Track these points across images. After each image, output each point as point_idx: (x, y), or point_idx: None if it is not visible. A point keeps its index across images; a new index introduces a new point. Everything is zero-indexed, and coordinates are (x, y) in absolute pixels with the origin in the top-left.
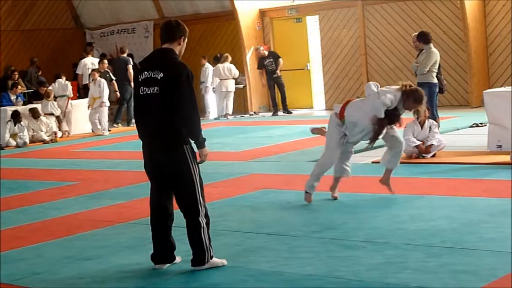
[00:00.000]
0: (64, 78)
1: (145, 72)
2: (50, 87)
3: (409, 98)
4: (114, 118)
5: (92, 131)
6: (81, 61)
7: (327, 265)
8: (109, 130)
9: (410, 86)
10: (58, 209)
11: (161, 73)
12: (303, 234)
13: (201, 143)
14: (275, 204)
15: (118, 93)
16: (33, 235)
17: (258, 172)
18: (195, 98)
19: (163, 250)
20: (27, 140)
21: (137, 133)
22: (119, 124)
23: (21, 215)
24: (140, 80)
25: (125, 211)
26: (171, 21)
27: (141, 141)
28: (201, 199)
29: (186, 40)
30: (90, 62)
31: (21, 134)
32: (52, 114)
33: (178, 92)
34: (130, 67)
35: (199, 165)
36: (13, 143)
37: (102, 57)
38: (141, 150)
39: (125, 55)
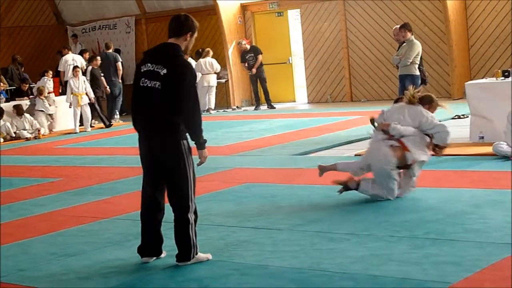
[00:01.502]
0: (49, 75)
1: (148, 64)
2: (39, 85)
3: (424, 105)
4: (109, 114)
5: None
6: (62, 58)
7: (311, 258)
8: (91, 127)
9: (413, 96)
10: (42, 206)
11: (165, 69)
12: (287, 227)
13: (201, 144)
14: (259, 197)
15: (108, 89)
16: (17, 232)
17: (241, 166)
18: (198, 99)
19: (151, 244)
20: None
21: (123, 129)
22: (118, 118)
23: (5, 212)
24: (142, 71)
25: (109, 206)
26: (180, 16)
27: (137, 132)
28: (192, 195)
29: (195, 35)
30: (71, 58)
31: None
32: (43, 111)
33: (181, 91)
34: (120, 64)
35: (198, 166)
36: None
37: (83, 52)
38: (124, 146)
39: (111, 50)
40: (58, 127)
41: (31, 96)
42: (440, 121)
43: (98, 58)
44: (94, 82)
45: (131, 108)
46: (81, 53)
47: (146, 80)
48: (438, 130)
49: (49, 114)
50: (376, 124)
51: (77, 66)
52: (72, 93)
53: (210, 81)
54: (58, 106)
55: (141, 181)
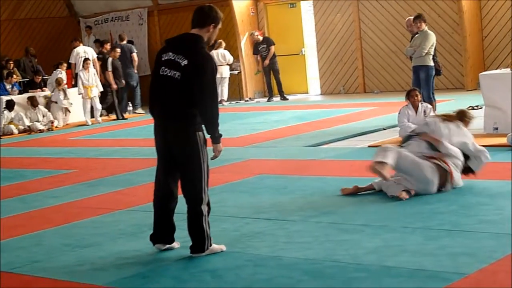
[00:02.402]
0: (63, 67)
1: (170, 53)
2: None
3: (465, 122)
4: (132, 105)
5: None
6: (74, 50)
7: (325, 249)
8: (101, 116)
9: (450, 116)
10: (56, 197)
11: (186, 60)
12: (301, 218)
13: (216, 139)
14: (272, 189)
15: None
16: (31, 223)
17: (254, 157)
18: (217, 93)
19: (163, 231)
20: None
21: (136, 120)
22: (133, 109)
23: (19, 204)
24: (162, 59)
25: (123, 198)
26: (203, 7)
27: (154, 120)
28: (205, 187)
29: (219, 26)
30: (83, 50)
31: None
32: (56, 102)
33: (200, 84)
34: (135, 55)
35: (212, 160)
36: (15, 130)
37: (104, 43)
38: (137, 138)
39: (125, 42)
40: (70, 119)
41: (44, 88)
42: (453, 112)
43: (118, 49)
44: (115, 74)
45: (149, 95)
46: (102, 43)
47: (166, 69)
48: (480, 156)
49: (64, 107)
50: (417, 131)
51: (87, 59)
52: (82, 86)
53: (223, 73)
54: (71, 99)
55: (154, 172)
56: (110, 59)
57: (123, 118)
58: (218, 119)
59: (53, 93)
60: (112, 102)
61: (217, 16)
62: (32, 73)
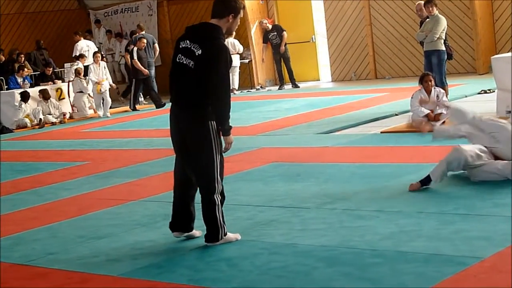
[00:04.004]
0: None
1: (187, 41)
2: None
3: None
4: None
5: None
6: (77, 44)
7: (340, 235)
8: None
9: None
10: (69, 189)
11: (200, 50)
12: (315, 205)
13: (226, 131)
14: (285, 177)
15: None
16: (45, 216)
17: (267, 146)
18: (229, 84)
19: (181, 219)
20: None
21: (147, 111)
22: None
23: (33, 196)
24: (180, 47)
25: (136, 189)
26: None
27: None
28: (218, 176)
29: (240, 15)
30: (86, 44)
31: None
32: (81, 92)
33: (214, 75)
34: (157, 45)
35: (224, 152)
36: (29, 124)
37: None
38: (149, 129)
39: (143, 32)
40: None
41: (56, 81)
42: (465, 96)
43: (144, 40)
44: (140, 63)
45: (169, 82)
46: (131, 34)
47: (182, 57)
48: None
49: (89, 94)
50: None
51: (97, 52)
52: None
53: (233, 62)
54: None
55: (167, 162)
56: (135, 49)
57: (134, 109)
58: (229, 112)
59: (74, 84)
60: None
61: (236, 5)
62: (43, 66)
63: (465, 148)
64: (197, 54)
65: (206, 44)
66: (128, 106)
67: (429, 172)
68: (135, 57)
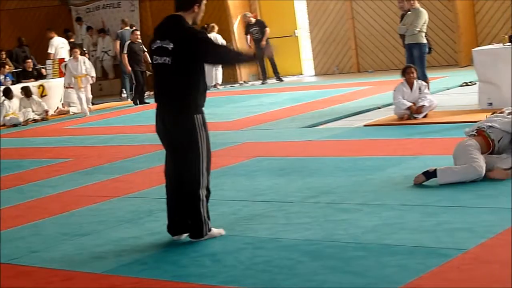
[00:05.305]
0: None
1: (157, 41)
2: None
3: None
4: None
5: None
6: (52, 41)
7: (324, 229)
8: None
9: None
10: (53, 187)
11: (171, 44)
12: (299, 200)
13: (254, 57)
14: (269, 171)
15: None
16: (28, 213)
17: (251, 140)
18: (219, 44)
19: (177, 220)
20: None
21: (131, 107)
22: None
23: (16, 194)
24: (152, 49)
25: (120, 185)
26: None
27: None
28: (204, 171)
29: (204, 2)
30: (61, 42)
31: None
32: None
33: (200, 53)
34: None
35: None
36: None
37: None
38: (133, 125)
39: (128, 27)
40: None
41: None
42: (447, 89)
43: (138, 32)
44: (134, 57)
45: (153, 84)
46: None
47: (157, 58)
48: None
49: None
50: None
51: (75, 47)
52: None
53: None
54: (55, 88)
55: (151, 158)
56: (127, 42)
57: (144, 103)
58: (241, 55)
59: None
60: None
61: None
62: (24, 63)
63: (482, 166)
64: (170, 48)
65: (176, 36)
66: (131, 100)
67: (438, 170)
68: (125, 51)
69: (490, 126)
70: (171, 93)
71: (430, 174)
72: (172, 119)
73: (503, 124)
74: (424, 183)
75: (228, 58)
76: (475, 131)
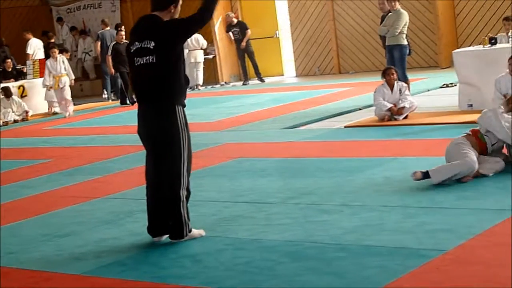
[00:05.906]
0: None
1: (136, 43)
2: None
3: None
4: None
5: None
6: (30, 42)
7: (304, 230)
8: (113, 100)
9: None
10: (32, 187)
11: (152, 42)
12: (279, 200)
13: None
14: (250, 172)
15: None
16: (7, 215)
17: (232, 141)
18: (192, 14)
19: (157, 221)
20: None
21: (112, 108)
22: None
23: None
24: (131, 51)
25: (100, 186)
26: None
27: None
28: (184, 171)
29: (180, 4)
30: (39, 41)
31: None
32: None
33: (181, 33)
34: None
35: None
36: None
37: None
38: (114, 125)
39: (108, 28)
40: (42, 110)
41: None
42: (428, 90)
43: (122, 32)
44: (120, 58)
45: (132, 87)
46: (116, 27)
47: (139, 59)
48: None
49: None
50: None
51: (53, 47)
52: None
53: (197, 57)
54: (34, 89)
55: (131, 159)
56: (112, 44)
57: (133, 103)
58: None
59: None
60: (120, 87)
61: None
62: (2, 63)
63: (474, 160)
64: (151, 47)
65: (155, 33)
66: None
67: (430, 171)
68: (109, 52)
69: (488, 131)
70: (155, 91)
71: (425, 174)
72: (154, 122)
73: (503, 134)
74: (417, 181)
75: (204, 12)
76: (470, 129)
